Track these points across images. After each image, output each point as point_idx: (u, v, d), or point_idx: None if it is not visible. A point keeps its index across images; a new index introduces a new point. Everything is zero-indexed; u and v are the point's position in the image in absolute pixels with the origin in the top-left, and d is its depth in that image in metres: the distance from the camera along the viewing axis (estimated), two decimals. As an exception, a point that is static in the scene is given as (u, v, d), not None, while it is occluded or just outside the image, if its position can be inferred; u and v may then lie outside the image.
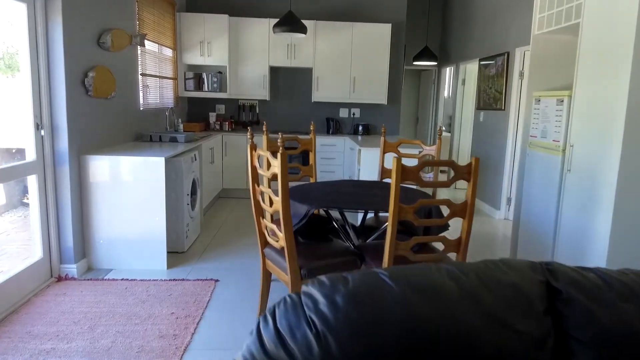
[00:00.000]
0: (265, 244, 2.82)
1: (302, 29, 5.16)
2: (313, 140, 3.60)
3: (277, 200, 2.39)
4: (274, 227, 2.53)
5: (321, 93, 6.40)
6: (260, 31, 6.21)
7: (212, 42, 6.09)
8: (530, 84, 3.74)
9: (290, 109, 6.82)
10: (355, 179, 5.28)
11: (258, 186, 2.68)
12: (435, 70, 8.49)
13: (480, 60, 6.35)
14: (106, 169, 3.53)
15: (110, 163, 3.53)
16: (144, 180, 3.55)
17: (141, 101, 4.76)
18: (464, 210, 2.43)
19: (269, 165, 3.14)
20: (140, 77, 4.70)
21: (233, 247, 4.27)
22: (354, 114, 6.83)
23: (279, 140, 2.37)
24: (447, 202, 2.38)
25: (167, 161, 3.86)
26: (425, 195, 2.94)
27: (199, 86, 6.23)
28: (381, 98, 6.44)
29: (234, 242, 4.42)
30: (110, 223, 3.60)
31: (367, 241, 3.12)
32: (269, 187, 2.91)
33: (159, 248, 3.65)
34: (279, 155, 2.31)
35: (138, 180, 3.55)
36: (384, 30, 6.28)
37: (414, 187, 3.93)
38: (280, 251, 2.64)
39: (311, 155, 3.62)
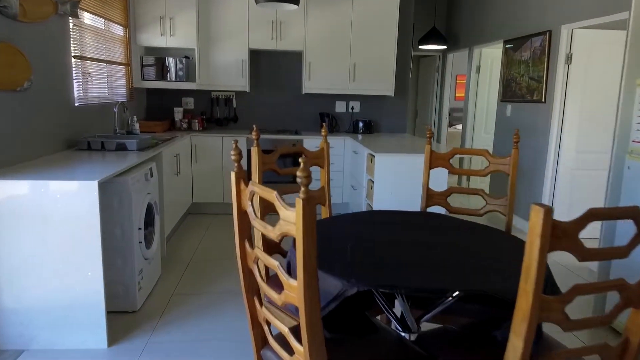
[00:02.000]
0: (263, 342, 1.64)
1: (294, -1, 3.96)
2: (326, 151, 2.40)
3: (294, 285, 1.22)
4: (286, 330, 1.35)
5: (314, 83, 5.19)
6: (237, 4, 4.95)
7: (175, 18, 4.80)
8: (629, 67, 2.65)
9: (276, 103, 5.59)
10: (365, 192, 4.12)
11: (252, 248, 1.49)
12: (439, 56, 7.37)
13: (506, 42, 5.25)
14: (9, 200, 2.28)
15: (14, 191, 2.27)
16: (68, 215, 2.31)
17: (76, 94, 3.47)
18: (645, 297, 1.31)
19: (264, 203, 1.93)
20: (73, 60, 3.41)
21: (209, 295, 3.06)
22: (352, 108, 5.65)
23: (298, 172, 1.17)
24: (621, 285, 1.26)
25: (104, 185, 2.62)
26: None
27: (161, 74, 4.94)
28: (387, 89, 5.27)
29: (210, 285, 3.21)
30: (21, 282, 2.35)
31: (424, 319, 1.98)
32: (263, 243, 1.72)
33: (94, 316, 2.42)
34: (299, 201, 1.13)
35: (59, 217, 2.31)
36: (390, 5, 5.10)
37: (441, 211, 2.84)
38: (294, 366, 1.46)
39: (322, 173, 2.43)
